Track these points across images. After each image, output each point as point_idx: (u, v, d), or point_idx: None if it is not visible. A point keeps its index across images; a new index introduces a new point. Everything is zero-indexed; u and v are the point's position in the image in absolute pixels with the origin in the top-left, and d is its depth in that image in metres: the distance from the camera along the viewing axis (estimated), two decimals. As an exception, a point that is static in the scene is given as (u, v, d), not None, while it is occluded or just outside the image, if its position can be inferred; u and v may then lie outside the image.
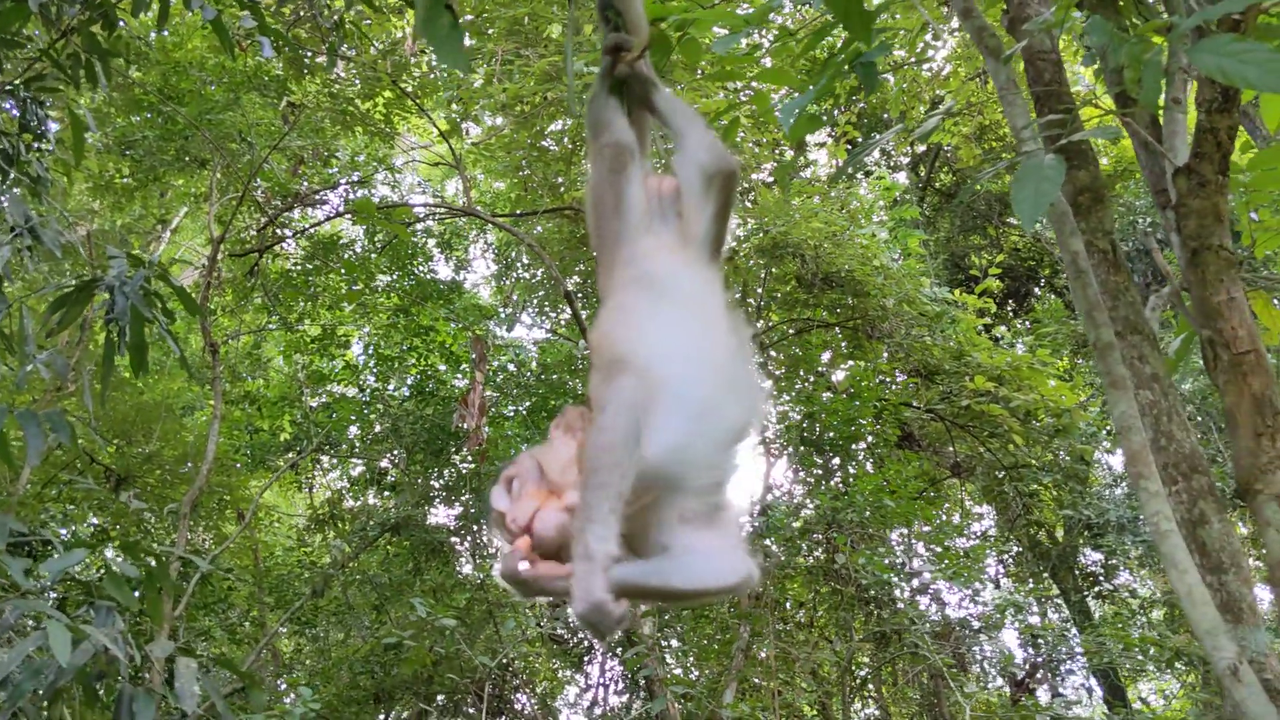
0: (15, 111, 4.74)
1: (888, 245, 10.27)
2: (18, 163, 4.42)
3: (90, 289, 3.86)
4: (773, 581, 8.26)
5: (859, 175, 12.47)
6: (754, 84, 7.15)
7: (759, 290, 9.99)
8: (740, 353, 1.93)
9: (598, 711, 10.00)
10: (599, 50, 2.34)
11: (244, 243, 11.16)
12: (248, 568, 11.53)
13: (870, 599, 8.59)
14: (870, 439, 9.43)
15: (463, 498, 10.14)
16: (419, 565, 10.00)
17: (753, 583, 1.81)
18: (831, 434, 9.19)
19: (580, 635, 10.08)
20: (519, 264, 12.89)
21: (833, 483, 9.60)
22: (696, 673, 9.11)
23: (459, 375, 11.65)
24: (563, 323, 12.74)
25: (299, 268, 11.33)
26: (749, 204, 9.86)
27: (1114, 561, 11.50)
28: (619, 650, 8.82)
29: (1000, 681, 10.56)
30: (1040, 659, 10.08)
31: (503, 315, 12.99)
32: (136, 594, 3.76)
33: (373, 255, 11.42)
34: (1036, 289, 14.89)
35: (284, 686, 10.11)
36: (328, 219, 11.68)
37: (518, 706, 10.01)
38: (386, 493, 10.93)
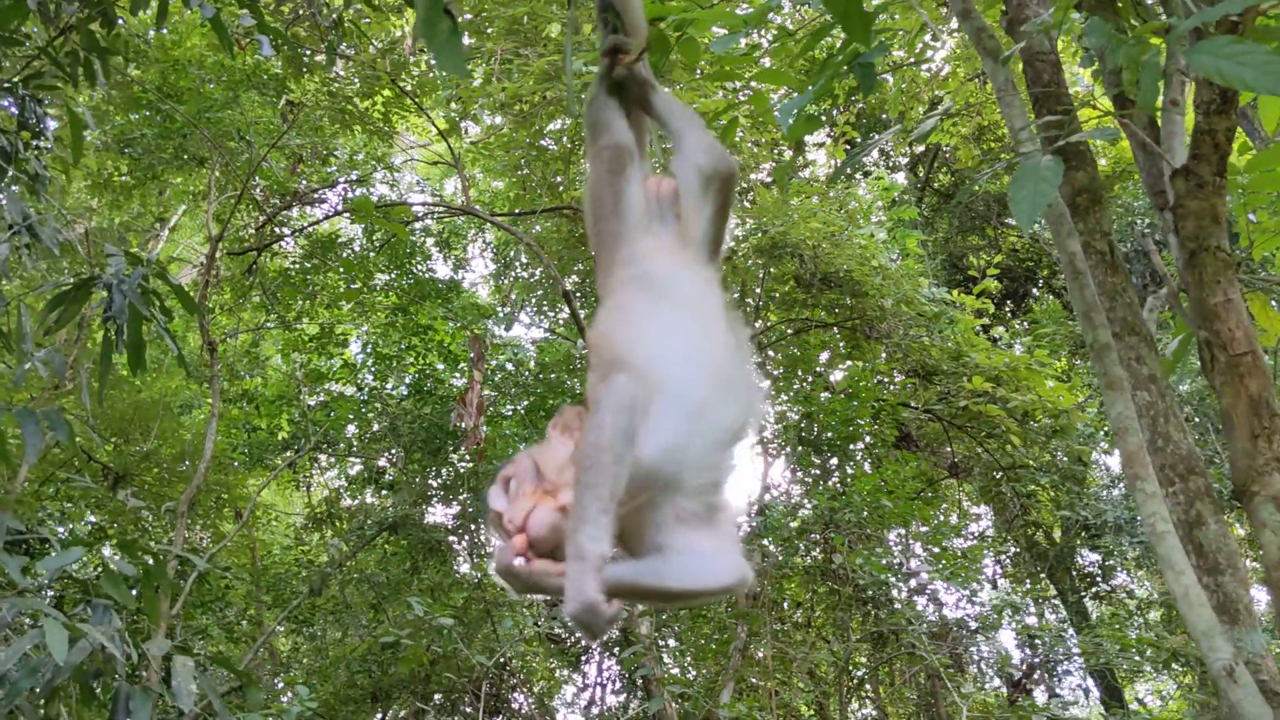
0: (14, 109, 4.73)
1: (886, 245, 10.28)
2: (16, 160, 4.41)
3: (88, 287, 3.86)
4: (770, 581, 8.26)
5: (857, 175, 12.49)
6: (753, 84, 7.13)
7: (757, 290, 10.00)
8: (738, 353, 1.92)
9: (595, 711, 9.99)
10: (598, 49, 2.34)
11: (242, 241, 11.15)
12: (245, 566, 11.52)
13: (868, 599, 8.59)
14: (868, 439, 9.43)
15: (460, 497, 10.14)
16: (416, 564, 10.00)
17: (747, 584, 1.81)
18: (829, 434, 9.19)
19: (577, 635, 10.08)
20: (517, 263, 12.88)
21: (830, 483, 9.60)
22: (694, 672, 9.10)
23: (457, 374, 11.65)
24: (561, 322, 12.74)
25: (297, 266, 11.31)
26: (747, 204, 9.87)
27: (1111, 562, 11.52)
28: (616, 650, 8.82)
29: (997, 682, 10.57)
30: (1037, 659, 10.08)
31: (501, 314, 12.97)
32: (134, 592, 3.76)
33: (371, 254, 11.41)
34: (1034, 290, 14.90)
35: (281, 685, 10.09)
36: (326, 218, 11.69)
37: (515, 706, 10.01)
38: (384, 491, 10.92)
